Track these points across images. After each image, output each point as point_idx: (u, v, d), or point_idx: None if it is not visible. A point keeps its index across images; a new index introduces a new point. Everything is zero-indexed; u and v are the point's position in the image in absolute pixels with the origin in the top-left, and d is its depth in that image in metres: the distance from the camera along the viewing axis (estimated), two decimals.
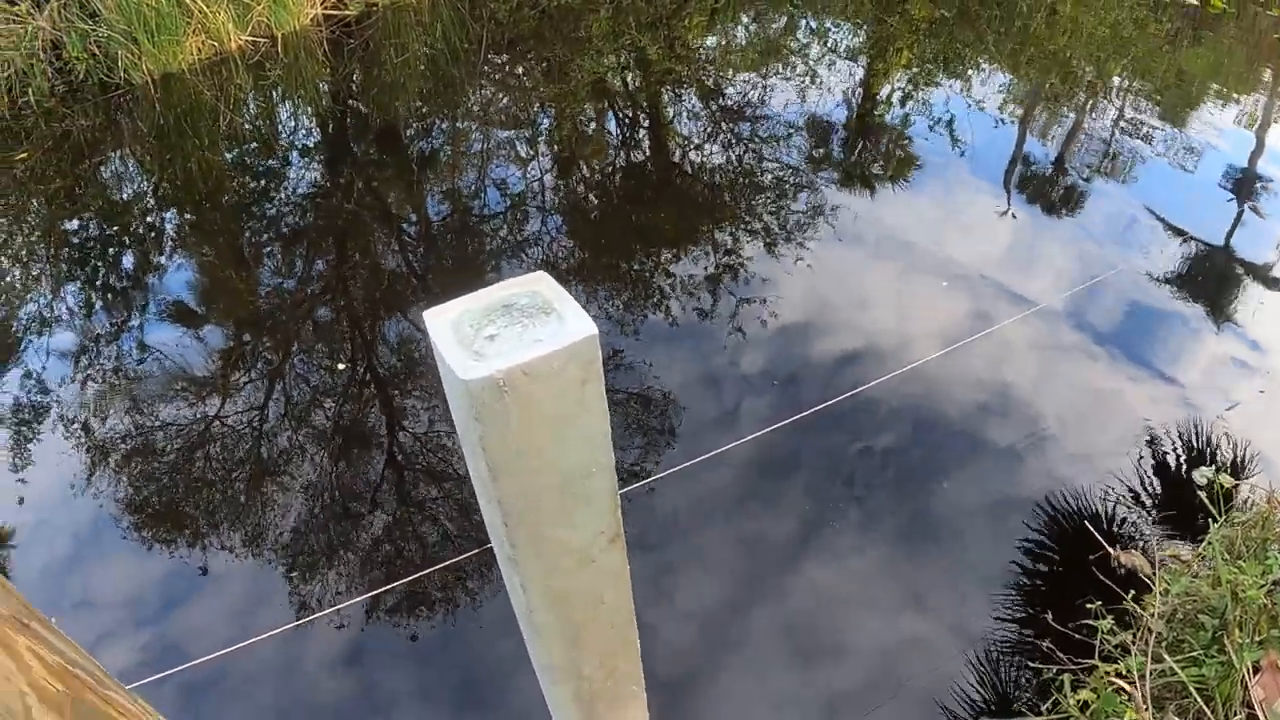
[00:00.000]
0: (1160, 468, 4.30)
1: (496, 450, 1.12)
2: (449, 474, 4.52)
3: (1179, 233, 5.91)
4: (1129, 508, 4.10)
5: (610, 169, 7.21)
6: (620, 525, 1.36)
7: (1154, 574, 3.33)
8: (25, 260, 6.65)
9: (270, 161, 7.71)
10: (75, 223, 7.01)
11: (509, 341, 1.08)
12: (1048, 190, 6.46)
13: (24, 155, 7.73)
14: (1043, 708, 3.19)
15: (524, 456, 1.14)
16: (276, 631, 3.74)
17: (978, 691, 3.47)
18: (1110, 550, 3.65)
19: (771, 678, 3.54)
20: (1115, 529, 4.01)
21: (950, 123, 7.28)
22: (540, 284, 1.15)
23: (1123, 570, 3.62)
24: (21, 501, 4.56)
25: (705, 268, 5.73)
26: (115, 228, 6.88)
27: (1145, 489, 4.19)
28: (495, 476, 1.16)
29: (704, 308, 5.40)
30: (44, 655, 0.74)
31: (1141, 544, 3.90)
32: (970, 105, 7.56)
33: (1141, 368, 4.82)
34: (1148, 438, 4.42)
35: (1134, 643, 3.00)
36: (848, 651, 3.61)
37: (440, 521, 4.31)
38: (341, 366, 5.25)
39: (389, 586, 3.96)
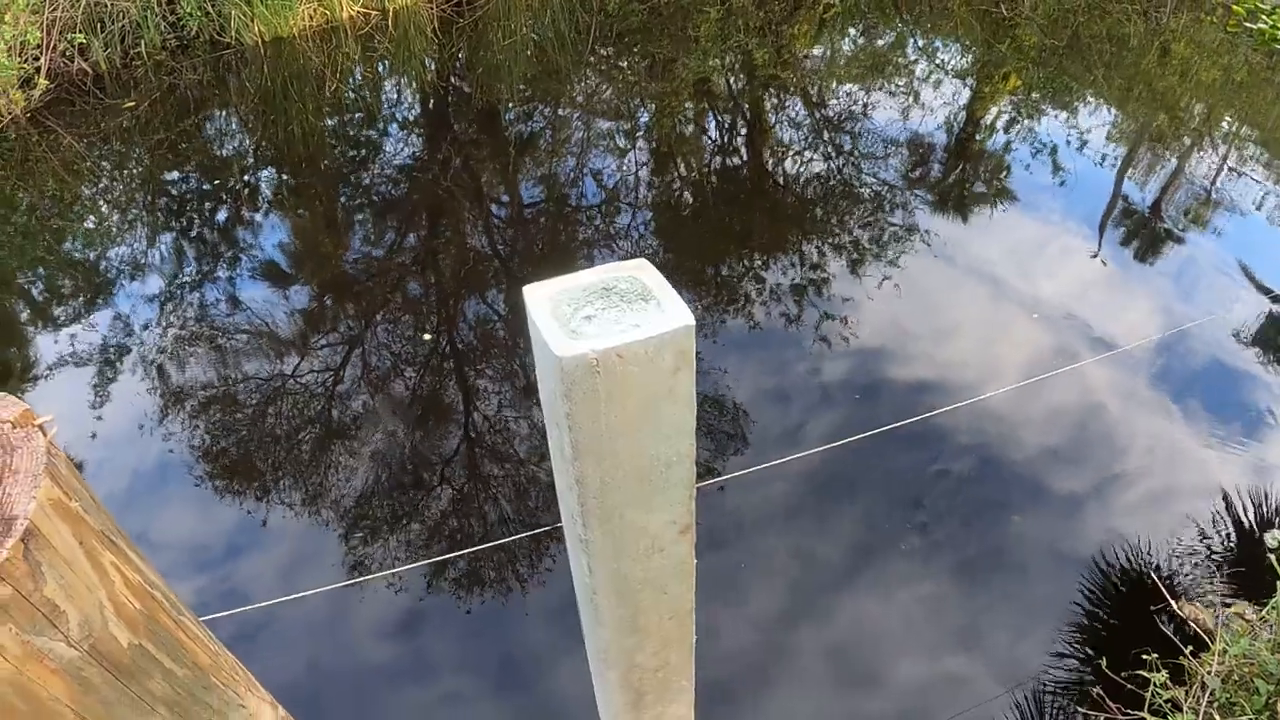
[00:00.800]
0: (1230, 525, 4.20)
1: (582, 429, 1.13)
2: (510, 455, 4.56)
3: (1267, 291, 5.77)
4: (1196, 562, 4.01)
5: (705, 170, 7.21)
6: (692, 517, 1.36)
7: (1215, 630, 3.27)
8: (124, 206, 6.81)
9: (370, 132, 7.82)
10: (175, 174, 7.17)
11: (606, 323, 1.09)
12: (1141, 233, 6.33)
13: (131, 105, 7.92)
14: None
15: (608, 439, 1.15)
16: (328, 588, 3.81)
17: None
18: (1172, 602, 3.58)
19: (810, 695, 3.53)
20: (1179, 581, 3.93)
21: (1052, 153, 7.17)
22: (641, 271, 1.16)
23: (1185, 624, 3.55)
24: (94, 436, 4.69)
25: (790, 278, 5.71)
26: (213, 183, 7.03)
27: (1214, 545, 4.10)
28: (578, 455, 1.17)
29: (785, 317, 5.39)
30: (126, 573, 0.77)
31: (1206, 599, 3.83)
32: (1073, 139, 7.43)
33: (1217, 423, 4.71)
34: (1220, 494, 4.32)
35: (1186, 699, 2.94)
36: (892, 677, 3.58)
37: (497, 501, 4.34)
38: (427, 336, 5.31)
39: (442, 557, 4.00)
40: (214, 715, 0.88)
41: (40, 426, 0.75)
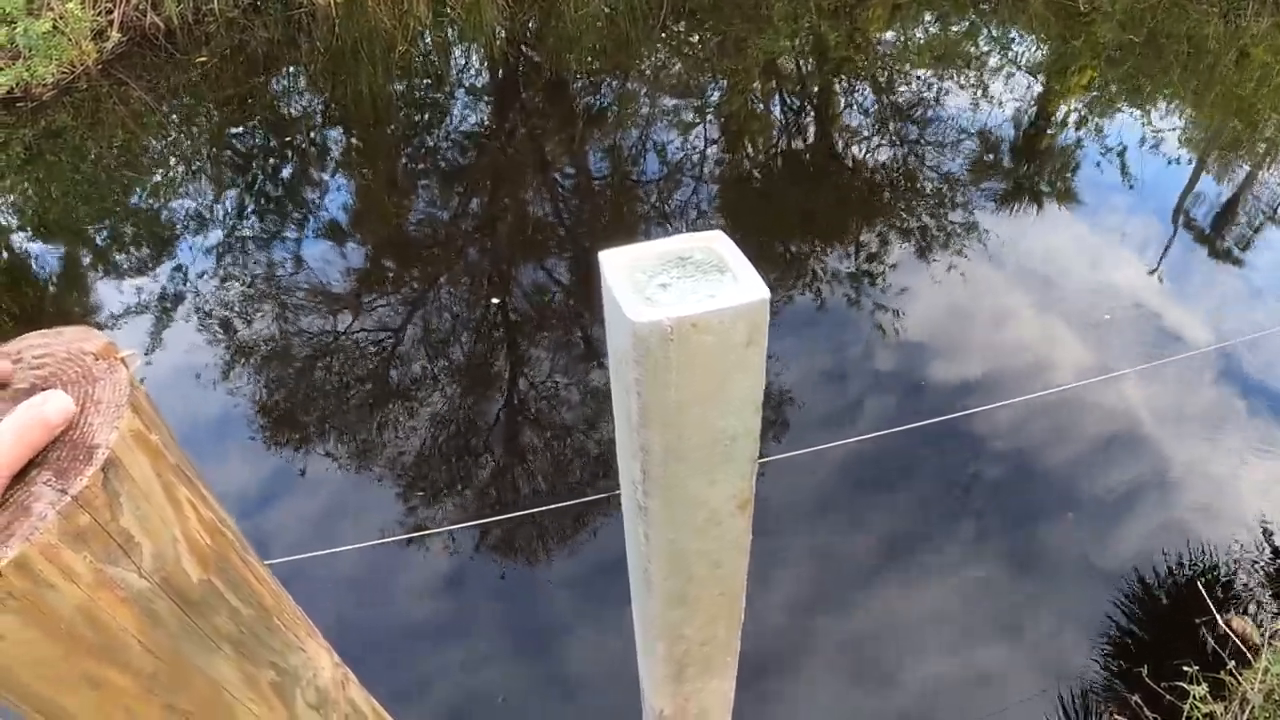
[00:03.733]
0: None
1: (651, 397, 1.13)
2: (558, 424, 4.57)
3: None
4: (1248, 575, 3.94)
5: (771, 151, 7.16)
6: (752, 493, 1.36)
7: (1260, 646, 3.22)
8: (190, 159, 6.88)
9: (437, 95, 7.85)
10: (242, 129, 7.23)
11: (681, 292, 1.09)
12: (1212, 237, 6.22)
13: (202, 59, 8.01)
14: None
15: (676, 408, 1.15)
16: (368, 545, 3.85)
17: None
18: (1217, 614, 3.51)
19: (831, 687, 3.52)
20: (1229, 595, 3.87)
21: (1122, 154, 7.05)
22: (717, 242, 1.15)
23: (1229, 639, 3.49)
24: (142, 381, 4.76)
25: (851, 263, 5.67)
26: (280, 140, 7.08)
27: (1265, 560, 4.02)
28: (645, 423, 1.17)
29: (845, 301, 5.35)
30: (200, 509, 0.77)
31: (1255, 615, 3.76)
32: (1146, 138, 7.30)
33: (1275, 436, 4.62)
34: (1276, 508, 4.24)
35: (1224, 714, 2.90)
36: (925, 674, 3.56)
37: (551, 467, 4.36)
38: (495, 301, 5.33)
39: (492, 519, 4.03)
40: (276, 656, 0.89)
41: (123, 360, 0.76)
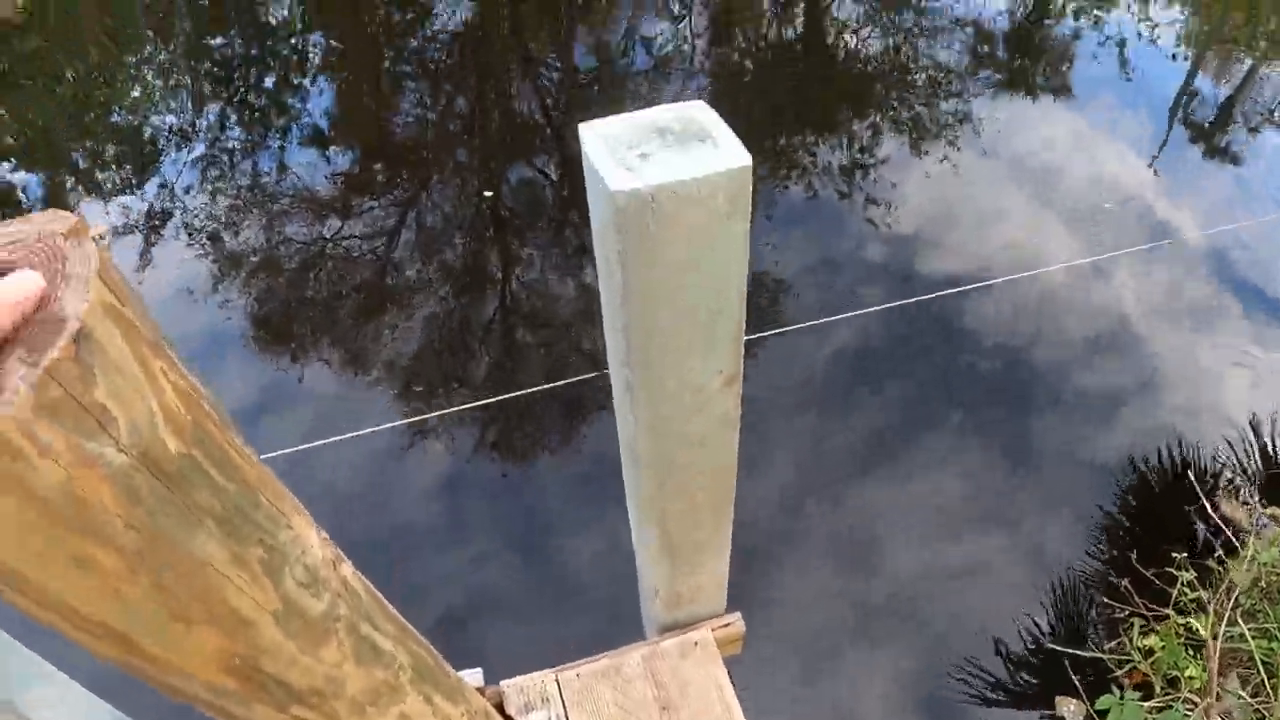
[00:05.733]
0: (1277, 435, 4.12)
1: (633, 268, 1.12)
2: (550, 319, 4.57)
3: None
4: (1238, 468, 3.95)
5: (761, 41, 7.04)
6: (740, 369, 1.35)
7: (1250, 533, 3.25)
8: (168, 72, 6.77)
9: None
10: (219, 39, 7.10)
11: (661, 162, 1.07)
12: (1208, 130, 6.12)
13: None
14: (1106, 645, 3.17)
15: (660, 281, 1.14)
16: (364, 432, 3.88)
17: (1046, 614, 3.45)
18: (1205, 500, 3.52)
19: (823, 570, 3.56)
20: (1219, 485, 3.88)
21: (1121, 45, 6.92)
22: (699, 111, 1.13)
23: (1219, 530, 3.51)
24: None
25: (843, 156, 5.61)
26: (259, 47, 6.96)
27: (1260, 454, 4.02)
28: (628, 297, 1.16)
29: (837, 193, 5.31)
30: (175, 380, 0.76)
31: (1245, 502, 3.78)
32: (1144, 33, 7.17)
33: (1271, 328, 4.59)
34: (1272, 405, 4.23)
35: (1210, 601, 2.94)
36: (917, 561, 3.60)
37: (527, 355, 4.37)
38: (488, 194, 5.29)
39: (488, 400, 4.05)
40: (262, 534, 0.89)
41: (93, 237, 0.74)
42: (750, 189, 1.10)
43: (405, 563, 3.55)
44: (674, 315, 1.20)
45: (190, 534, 0.80)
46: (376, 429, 3.98)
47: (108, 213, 5.34)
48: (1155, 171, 5.61)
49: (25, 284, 0.68)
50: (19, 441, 0.64)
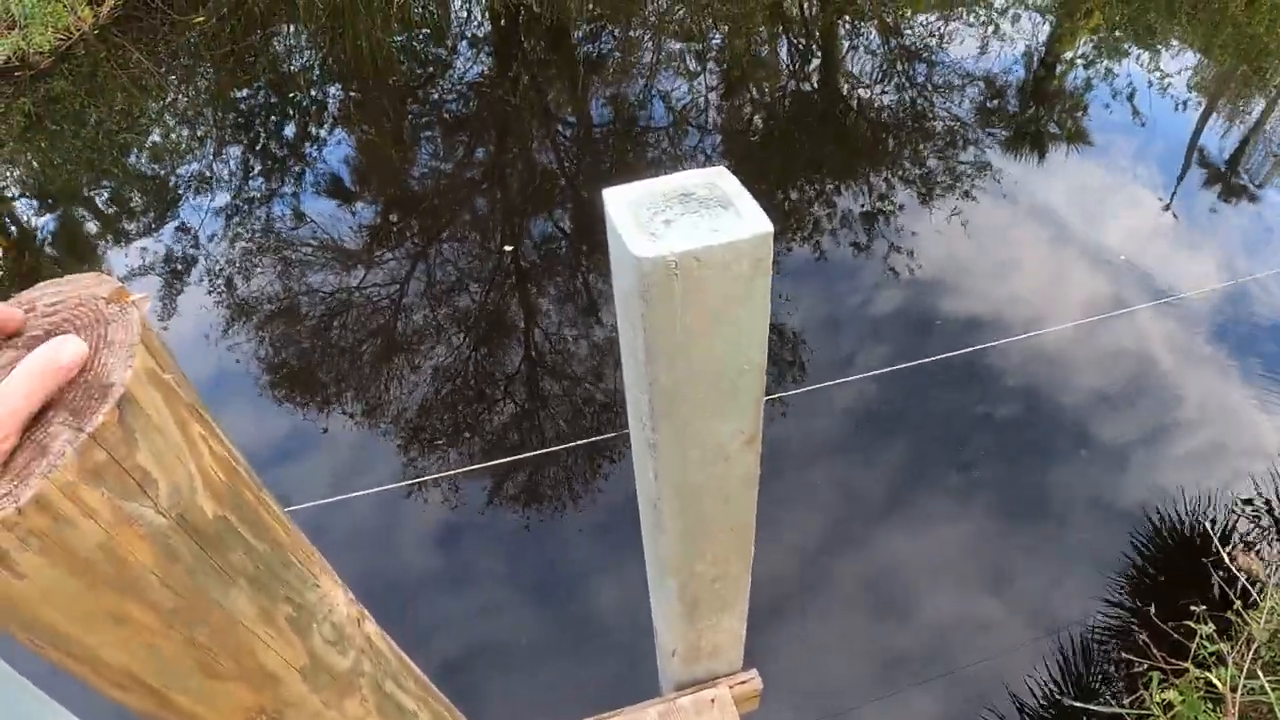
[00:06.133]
0: None
1: (657, 332, 1.14)
2: (567, 373, 4.58)
3: None
4: (1253, 519, 3.94)
5: (777, 95, 7.11)
6: (759, 429, 1.37)
7: (1267, 583, 3.23)
8: (192, 121, 6.86)
9: (439, 49, 7.80)
10: (244, 90, 7.20)
11: (685, 227, 1.09)
12: (1216, 184, 6.15)
13: (200, 20, 7.95)
14: (1125, 700, 3.14)
15: (682, 343, 1.16)
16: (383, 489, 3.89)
17: (1063, 669, 3.43)
18: (1223, 551, 3.50)
19: (841, 622, 3.55)
20: (1237, 536, 3.86)
21: (1131, 96, 6.97)
22: (720, 178, 1.16)
23: (1236, 580, 3.49)
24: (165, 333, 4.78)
25: (857, 207, 5.65)
26: (280, 98, 7.05)
27: (1273, 503, 4.01)
28: (651, 359, 1.18)
29: (850, 246, 5.34)
30: (213, 445, 0.78)
31: (1261, 555, 3.76)
32: (1154, 81, 7.22)
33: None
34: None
35: (1231, 653, 2.92)
36: (932, 613, 3.59)
37: (559, 411, 4.38)
38: (508, 248, 5.33)
39: (503, 460, 4.06)
40: (291, 592, 0.90)
41: (134, 302, 0.77)
42: (771, 255, 1.12)
43: (426, 620, 3.56)
44: (696, 377, 1.22)
45: (224, 592, 0.82)
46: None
47: (126, 254, 5.40)
48: (1174, 215, 5.64)
49: (71, 350, 0.70)
50: (63, 503, 0.66)
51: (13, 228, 5.83)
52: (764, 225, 1.09)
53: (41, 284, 0.79)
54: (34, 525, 0.65)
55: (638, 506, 1.62)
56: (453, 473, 4.02)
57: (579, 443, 4.09)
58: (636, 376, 1.27)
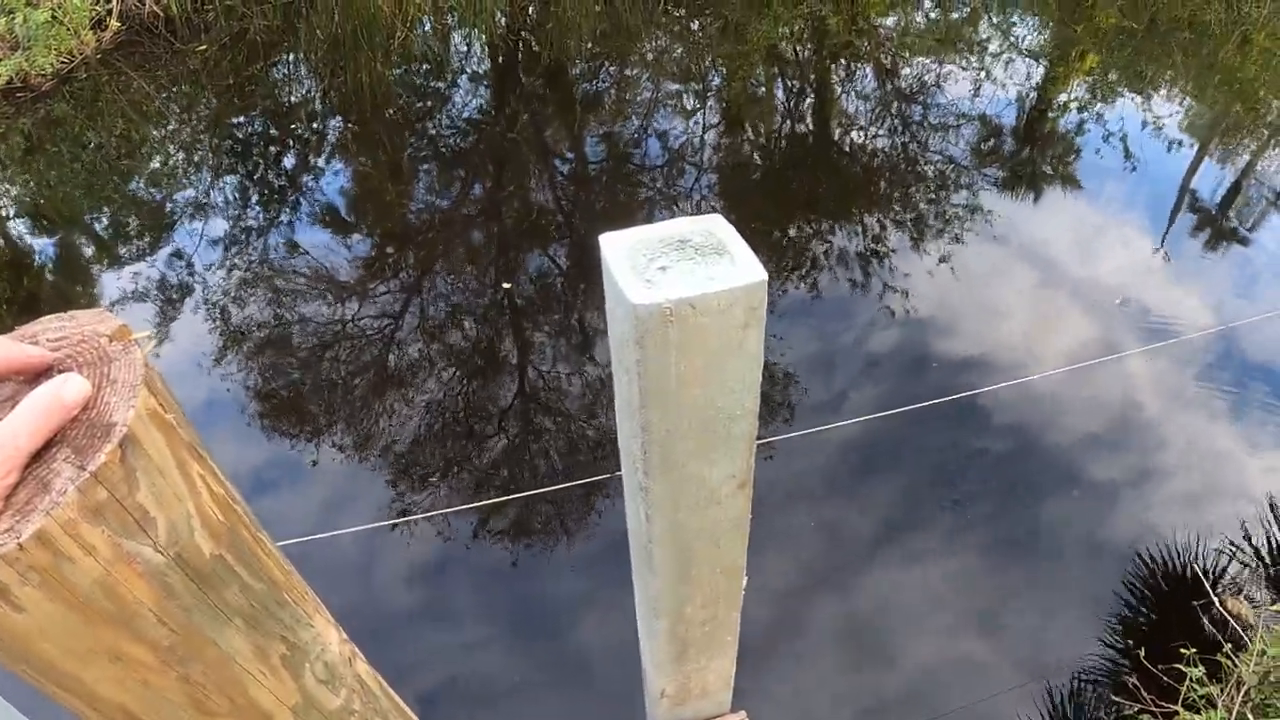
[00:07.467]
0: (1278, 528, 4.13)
1: (651, 378, 1.15)
2: (559, 409, 4.59)
3: None
4: (1244, 562, 3.95)
5: (772, 136, 7.16)
6: (751, 473, 1.38)
7: (1256, 627, 3.24)
8: (191, 148, 6.89)
9: (438, 83, 7.85)
10: (242, 118, 7.23)
11: (680, 275, 1.11)
12: (1209, 224, 6.20)
13: (202, 48, 8.00)
14: None
15: (676, 389, 1.17)
16: (366, 527, 3.88)
17: (1051, 714, 3.43)
18: (1213, 595, 3.53)
19: (833, 671, 3.54)
20: (1226, 580, 3.88)
21: (1124, 139, 7.03)
22: (715, 225, 1.17)
23: (1226, 623, 3.51)
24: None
25: (851, 248, 5.68)
26: (280, 128, 7.09)
27: (1261, 546, 4.03)
28: (645, 404, 1.19)
29: (852, 284, 5.36)
30: (212, 485, 0.79)
31: (1250, 599, 3.78)
32: (1147, 124, 7.29)
33: (1271, 424, 4.62)
34: (1268, 497, 4.24)
35: (1220, 696, 2.92)
36: (924, 657, 3.59)
37: (552, 450, 4.38)
38: (506, 285, 5.34)
39: (492, 500, 4.05)
40: (285, 630, 0.91)
41: (136, 341, 0.78)
42: (765, 302, 1.14)
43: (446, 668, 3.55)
44: (689, 423, 1.23)
45: (219, 630, 0.83)
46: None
47: (120, 279, 5.41)
48: (1166, 256, 5.69)
49: (75, 388, 0.71)
50: (63, 540, 0.67)
51: (6, 246, 5.84)
52: (758, 273, 1.11)
53: (44, 318, 0.81)
54: (35, 561, 0.66)
55: (628, 546, 1.63)
56: (441, 511, 4.02)
57: (570, 484, 4.09)
58: (630, 421, 1.28)
